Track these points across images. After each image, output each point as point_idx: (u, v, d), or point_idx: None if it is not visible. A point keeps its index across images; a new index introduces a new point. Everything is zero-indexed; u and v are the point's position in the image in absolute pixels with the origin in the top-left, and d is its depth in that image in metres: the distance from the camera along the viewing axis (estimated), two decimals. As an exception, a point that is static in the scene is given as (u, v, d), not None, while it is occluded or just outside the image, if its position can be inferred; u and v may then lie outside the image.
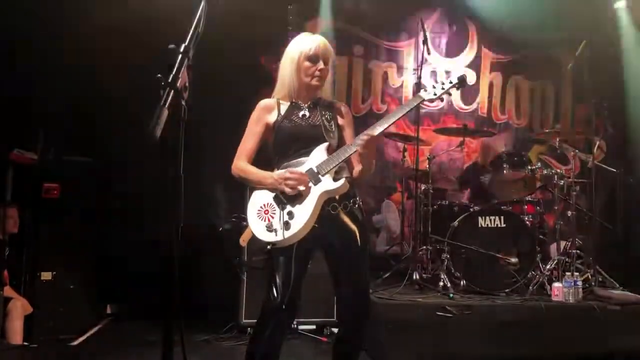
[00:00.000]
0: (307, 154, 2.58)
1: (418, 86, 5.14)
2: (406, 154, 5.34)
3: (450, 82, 2.59)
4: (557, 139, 4.76)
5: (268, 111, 2.66)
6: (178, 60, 1.94)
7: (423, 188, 5.01)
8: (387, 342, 3.81)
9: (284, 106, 2.65)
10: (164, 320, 1.81)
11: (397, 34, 5.92)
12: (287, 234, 2.46)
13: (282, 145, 2.62)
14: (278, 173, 2.54)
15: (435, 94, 2.58)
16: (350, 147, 2.53)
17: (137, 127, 1.97)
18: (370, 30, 5.85)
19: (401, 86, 5.93)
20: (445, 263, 4.43)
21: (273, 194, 2.53)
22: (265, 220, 2.50)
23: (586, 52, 5.60)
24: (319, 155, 2.57)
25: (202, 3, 2.08)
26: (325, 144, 2.59)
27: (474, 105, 6.06)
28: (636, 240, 5.25)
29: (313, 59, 2.59)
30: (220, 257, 4.65)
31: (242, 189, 4.31)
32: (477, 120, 6.01)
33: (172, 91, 1.88)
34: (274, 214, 2.50)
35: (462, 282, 4.32)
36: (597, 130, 5.05)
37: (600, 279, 4.52)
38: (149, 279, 3.28)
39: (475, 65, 6.09)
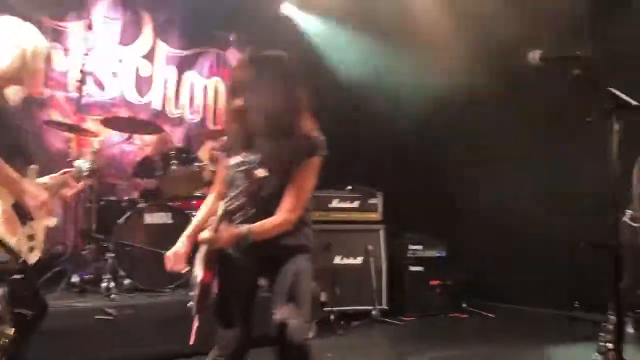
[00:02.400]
0: None
1: (83, 73, 4.83)
2: (72, 144, 4.94)
3: None
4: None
5: None
6: None
7: (88, 183, 4.69)
8: (46, 355, 3.47)
9: None
10: None
11: (62, 11, 5.40)
12: (33, 258, 2.31)
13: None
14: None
15: None
16: None
17: None
18: (31, 3, 5.20)
19: (66, 71, 5.44)
20: (110, 262, 4.24)
21: (12, 202, 2.22)
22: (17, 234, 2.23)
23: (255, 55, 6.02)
24: None
25: None
26: None
27: (148, 98, 5.93)
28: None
29: None
30: None
31: None
32: (150, 113, 5.89)
33: None
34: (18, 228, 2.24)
35: (126, 281, 4.20)
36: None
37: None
38: None
39: (150, 56, 5.97)
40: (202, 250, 2.32)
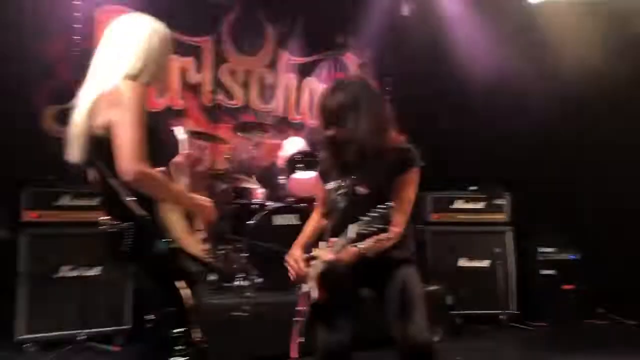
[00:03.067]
0: None
1: (215, 84, 5.15)
2: (207, 152, 5.27)
3: None
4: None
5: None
6: None
7: (222, 187, 4.99)
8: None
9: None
10: None
11: (195, 27, 5.78)
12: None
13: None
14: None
15: None
16: None
17: None
18: (168, 23, 5.61)
19: (200, 83, 5.81)
20: (242, 262, 4.47)
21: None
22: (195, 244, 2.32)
23: (369, 62, 6.28)
24: None
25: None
26: None
27: (272, 105, 6.19)
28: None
29: None
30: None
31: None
32: (274, 119, 6.14)
33: None
34: (194, 238, 2.36)
35: (258, 280, 4.40)
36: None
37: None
38: None
39: (272, 65, 6.22)
40: (315, 269, 2.40)
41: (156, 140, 2.18)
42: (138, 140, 2.03)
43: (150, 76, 2.21)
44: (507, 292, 5.12)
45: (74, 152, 2.18)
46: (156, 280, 2.24)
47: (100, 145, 2.12)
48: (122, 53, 2.19)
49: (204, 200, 2.36)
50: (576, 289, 5.28)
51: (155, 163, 2.13)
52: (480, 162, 5.52)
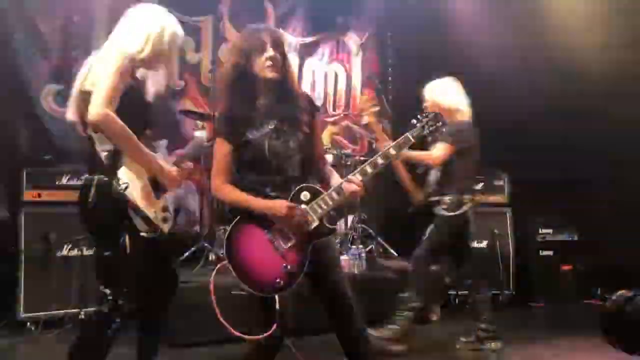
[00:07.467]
0: None
1: (214, 63, 5.11)
2: (205, 132, 5.25)
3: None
4: (346, 121, 5.08)
5: None
6: None
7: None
8: (186, 327, 3.78)
9: None
10: None
11: (195, 8, 5.73)
12: (167, 227, 2.55)
13: None
14: None
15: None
16: None
17: None
18: (168, 2, 5.57)
19: (199, 63, 5.78)
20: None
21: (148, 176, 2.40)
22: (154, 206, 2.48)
23: (370, 43, 6.17)
24: None
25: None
26: None
27: (272, 85, 6.14)
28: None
29: None
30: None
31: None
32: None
33: None
34: (154, 201, 2.51)
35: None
36: (380, 113, 5.48)
37: (381, 250, 4.96)
38: None
39: (273, 46, 6.16)
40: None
41: (140, 108, 2.37)
42: (110, 89, 2.18)
43: (146, 58, 2.36)
44: (506, 273, 5.15)
45: (70, 109, 2.35)
46: (105, 230, 2.32)
47: (88, 98, 2.25)
48: (127, 33, 2.37)
49: (171, 169, 2.45)
50: (574, 269, 5.31)
51: (130, 125, 2.24)
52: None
